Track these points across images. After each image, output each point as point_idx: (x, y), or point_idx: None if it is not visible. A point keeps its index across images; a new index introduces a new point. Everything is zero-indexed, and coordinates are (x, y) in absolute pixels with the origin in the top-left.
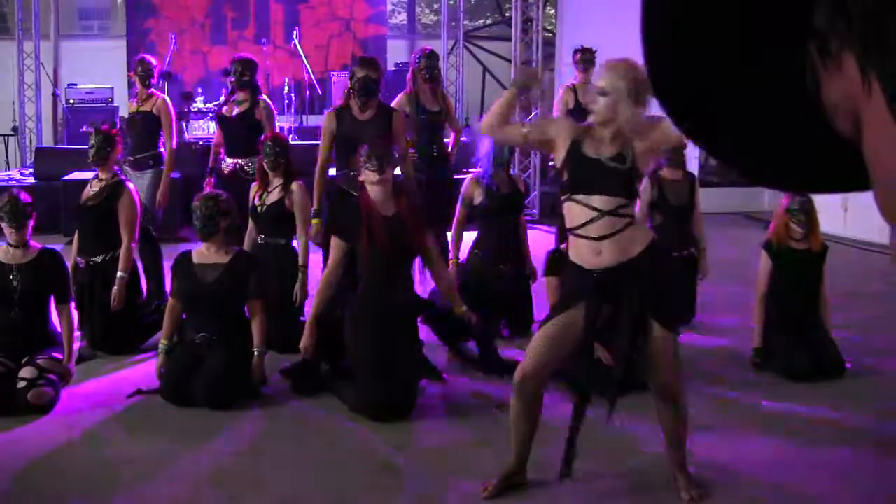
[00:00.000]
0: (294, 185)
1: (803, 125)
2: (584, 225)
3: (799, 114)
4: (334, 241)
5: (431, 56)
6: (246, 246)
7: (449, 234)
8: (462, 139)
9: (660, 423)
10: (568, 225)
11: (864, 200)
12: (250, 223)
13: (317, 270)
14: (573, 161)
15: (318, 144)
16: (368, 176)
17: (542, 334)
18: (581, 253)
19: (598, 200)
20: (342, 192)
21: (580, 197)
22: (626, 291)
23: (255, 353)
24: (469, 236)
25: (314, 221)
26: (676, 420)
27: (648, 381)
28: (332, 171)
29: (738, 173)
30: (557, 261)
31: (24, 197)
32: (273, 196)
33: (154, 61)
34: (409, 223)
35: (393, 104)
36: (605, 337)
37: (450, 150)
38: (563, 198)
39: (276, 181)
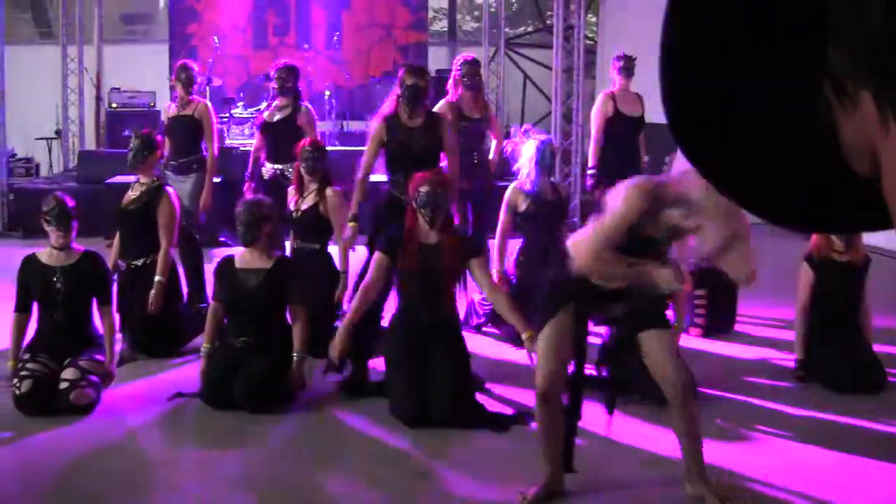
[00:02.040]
0: (329, 191)
1: (822, 167)
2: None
3: (817, 155)
4: (377, 256)
5: (473, 63)
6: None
7: (491, 242)
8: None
9: (674, 431)
10: None
11: None
12: None
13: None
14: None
15: (359, 150)
16: (421, 222)
17: (541, 346)
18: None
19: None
20: (391, 200)
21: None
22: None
23: (296, 358)
24: (513, 244)
25: (350, 225)
26: (687, 420)
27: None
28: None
29: (754, 214)
30: None
31: (70, 201)
32: (308, 201)
33: (196, 67)
34: (447, 256)
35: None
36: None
37: (491, 157)
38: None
39: (312, 186)
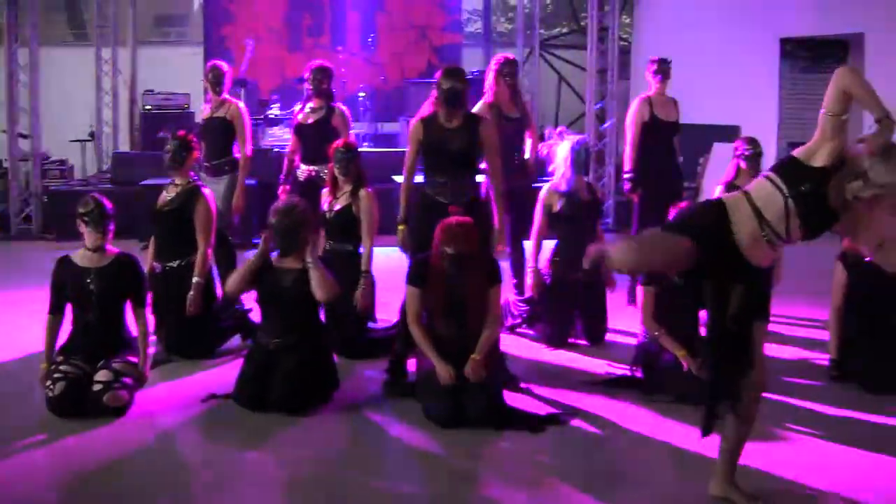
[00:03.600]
0: (362, 192)
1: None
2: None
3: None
4: (408, 290)
5: (512, 63)
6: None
7: (527, 243)
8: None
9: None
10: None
11: None
12: None
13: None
14: (819, 183)
15: (393, 151)
16: (446, 261)
17: (652, 232)
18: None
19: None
20: (427, 200)
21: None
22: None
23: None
24: (547, 244)
25: (400, 228)
26: (750, 420)
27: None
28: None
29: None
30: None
31: (107, 203)
32: (341, 202)
33: (225, 67)
34: (470, 287)
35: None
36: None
37: (527, 157)
38: (783, 183)
39: (346, 187)
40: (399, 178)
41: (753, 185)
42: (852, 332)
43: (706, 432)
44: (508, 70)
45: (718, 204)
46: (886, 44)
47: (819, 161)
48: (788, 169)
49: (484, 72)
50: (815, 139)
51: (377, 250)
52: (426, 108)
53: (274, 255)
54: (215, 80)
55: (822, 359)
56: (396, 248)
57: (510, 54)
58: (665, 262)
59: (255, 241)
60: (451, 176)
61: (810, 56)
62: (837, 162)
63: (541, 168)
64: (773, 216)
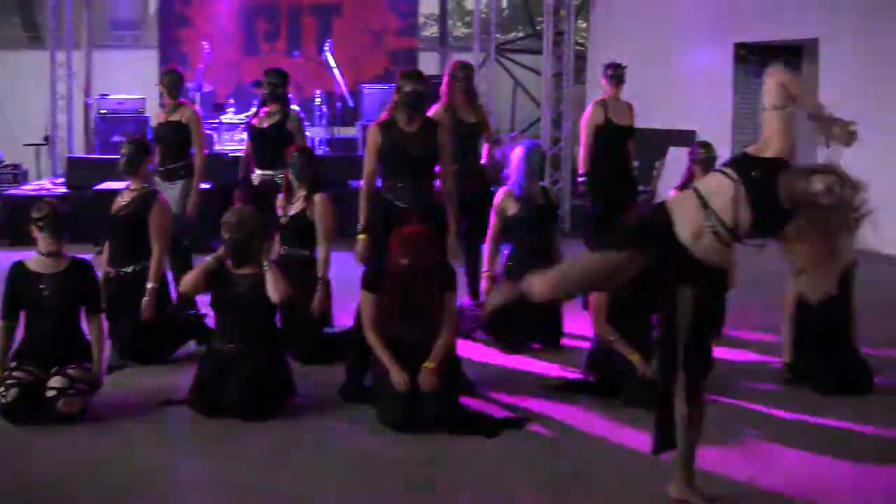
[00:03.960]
0: (317, 197)
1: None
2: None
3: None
4: (363, 295)
5: (467, 67)
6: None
7: (483, 248)
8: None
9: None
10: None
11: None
12: None
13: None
14: (770, 170)
15: (349, 157)
16: (401, 270)
17: (582, 260)
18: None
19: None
20: (387, 206)
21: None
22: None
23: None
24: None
25: (360, 237)
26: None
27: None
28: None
29: None
30: None
31: (62, 207)
32: (296, 207)
33: (181, 72)
34: (425, 290)
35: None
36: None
37: (483, 162)
38: (733, 172)
39: (301, 192)
40: (356, 183)
41: (703, 180)
42: (806, 335)
43: (659, 449)
44: (463, 74)
45: (660, 205)
46: (840, 50)
47: (770, 153)
48: (740, 160)
49: (440, 76)
50: (764, 136)
51: (333, 255)
52: (385, 113)
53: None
54: (171, 85)
55: (776, 362)
56: (352, 253)
57: (466, 59)
58: (594, 284)
59: (215, 245)
60: (411, 180)
61: (764, 61)
62: (788, 156)
63: (497, 172)
64: (720, 204)
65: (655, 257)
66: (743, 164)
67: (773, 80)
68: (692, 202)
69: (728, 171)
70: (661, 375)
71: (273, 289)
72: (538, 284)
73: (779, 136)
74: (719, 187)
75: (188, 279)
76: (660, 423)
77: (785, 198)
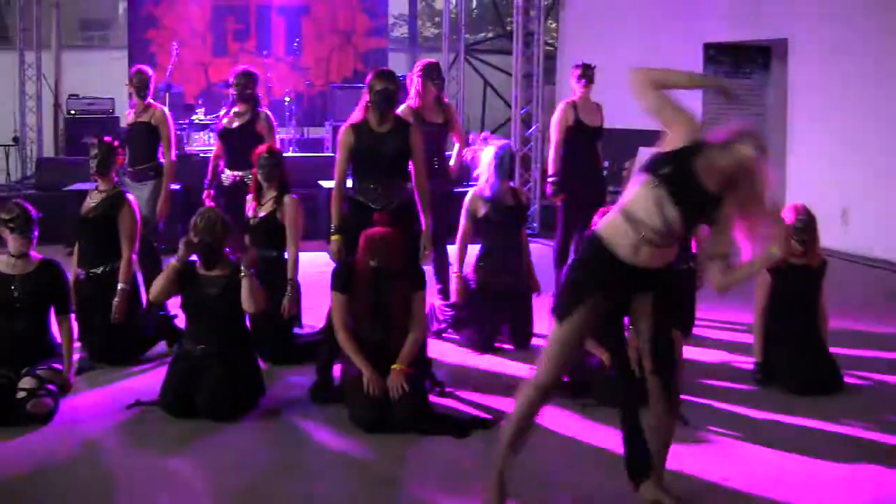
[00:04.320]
0: (286, 198)
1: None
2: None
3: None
4: (333, 297)
5: (435, 67)
6: None
7: (451, 248)
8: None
9: (651, 434)
10: (630, 209)
11: (863, 215)
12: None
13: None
14: (679, 162)
15: (318, 157)
16: (370, 271)
17: (558, 339)
18: (620, 243)
19: (674, 213)
20: (358, 207)
21: (665, 197)
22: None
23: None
24: (472, 249)
25: (334, 238)
26: (673, 424)
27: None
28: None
29: None
30: None
31: (33, 209)
32: (266, 209)
33: (150, 72)
34: (395, 292)
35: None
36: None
37: (452, 162)
38: (647, 177)
39: (270, 193)
40: (327, 184)
41: (624, 195)
42: (776, 335)
43: (634, 475)
44: (439, 75)
45: (592, 238)
46: (809, 50)
47: (671, 146)
48: (649, 164)
49: (409, 76)
50: (662, 136)
51: (301, 255)
52: (356, 114)
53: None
54: (140, 85)
55: (747, 362)
56: (320, 254)
57: (433, 59)
58: (580, 345)
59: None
60: (382, 181)
61: (734, 62)
62: (691, 138)
63: (466, 173)
64: (644, 213)
65: (610, 281)
66: (653, 166)
67: (633, 79)
68: (619, 220)
69: (642, 177)
70: (624, 396)
71: (250, 300)
72: (534, 388)
73: (672, 126)
74: (638, 197)
75: (156, 285)
76: (629, 450)
77: (717, 179)
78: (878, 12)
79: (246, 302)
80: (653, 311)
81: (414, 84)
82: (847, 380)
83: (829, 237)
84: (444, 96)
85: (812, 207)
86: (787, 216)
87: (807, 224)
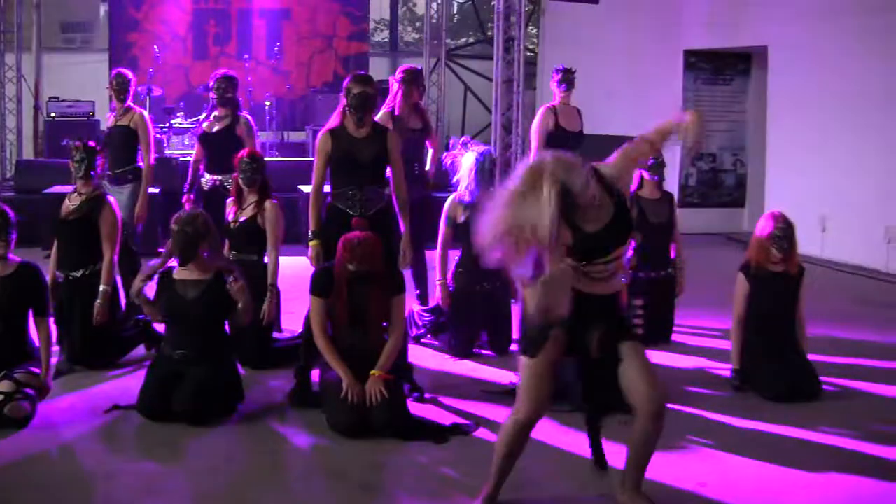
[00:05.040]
0: (267, 203)
1: None
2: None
3: None
4: (311, 301)
5: (415, 73)
6: None
7: (431, 254)
8: (441, 157)
9: (631, 441)
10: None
11: (841, 223)
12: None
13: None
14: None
15: (299, 161)
16: (349, 276)
17: (531, 373)
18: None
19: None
20: (336, 213)
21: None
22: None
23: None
24: (452, 255)
25: (312, 244)
26: (657, 434)
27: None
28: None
29: None
30: None
31: (10, 212)
32: (247, 213)
33: (130, 75)
34: (373, 297)
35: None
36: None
37: (427, 168)
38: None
39: (251, 198)
40: (306, 188)
41: None
42: (754, 342)
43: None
44: (416, 80)
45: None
46: (789, 58)
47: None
48: None
49: (389, 81)
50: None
51: (281, 259)
52: (334, 120)
53: (175, 266)
54: (120, 88)
55: (725, 369)
56: (300, 258)
57: (411, 65)
58: (551, 381)
59: (161, 249)
60: (360, 187)
61: (713, 68)
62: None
63: (444, 179)
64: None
65: (573, 317)
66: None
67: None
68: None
69: None
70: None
71: (245, 313)
72: (513, 423)
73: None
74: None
75: (137, 284)
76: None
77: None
78: (858, 18)
79: (243, 314)
80: (597, 341)
81: (395, 89)
82: (825, 387)
83: (808, 244)
84: (422, 102)
85: (790, 215)
86: (766, 225)
87: (786, 232)
